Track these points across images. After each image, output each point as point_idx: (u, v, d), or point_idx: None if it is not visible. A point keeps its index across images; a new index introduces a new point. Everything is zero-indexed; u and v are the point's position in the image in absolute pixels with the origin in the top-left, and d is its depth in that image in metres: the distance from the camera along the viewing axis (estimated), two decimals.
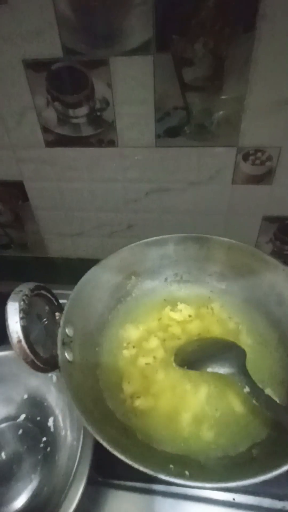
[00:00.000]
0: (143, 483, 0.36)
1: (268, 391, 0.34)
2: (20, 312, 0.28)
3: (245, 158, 0.47)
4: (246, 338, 0.40)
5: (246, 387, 0.32)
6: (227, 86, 0.41)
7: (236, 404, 0.34)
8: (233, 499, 0.35)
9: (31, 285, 0.31)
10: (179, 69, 0.41)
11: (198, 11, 0.37)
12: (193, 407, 0.34)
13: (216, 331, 0.41)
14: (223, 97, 0.42)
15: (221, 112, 0.43)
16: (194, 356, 0.36)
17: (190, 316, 0.42)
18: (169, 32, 0.38)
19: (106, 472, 0.37)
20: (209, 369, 0.33)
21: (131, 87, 0.43)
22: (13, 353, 0.41)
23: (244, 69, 0.40)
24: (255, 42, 0.38)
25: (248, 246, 0.43)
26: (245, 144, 0.46)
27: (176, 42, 0.39)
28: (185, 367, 0.35)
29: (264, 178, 0.49)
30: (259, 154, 0.47)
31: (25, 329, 0.28)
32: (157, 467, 0.26)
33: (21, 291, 0.30)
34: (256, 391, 0.32)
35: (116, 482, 0.37)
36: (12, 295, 0.29)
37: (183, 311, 0.42)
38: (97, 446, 0.33)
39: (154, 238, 0.44)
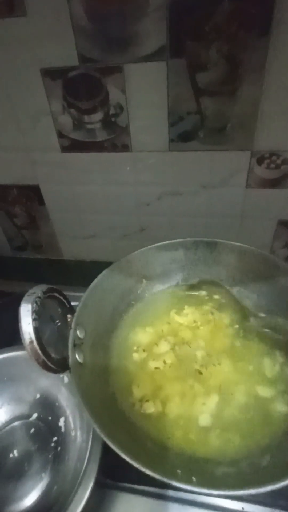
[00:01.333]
0: (151, 487, 0.36)
1: None
2: (32, 313, 0.29)
3: (260, 161, 0.47)
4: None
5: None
6: (241, 90, 0.41)
7: (247, 412, 0.33)
8: (242, 508, 0.35)
9: (44, 287, 0.32)
10: (193, 75, 0.41)
11: (212, 16, 0.37)
12: (202, 412, 0.34)
13: (224, 338, 0.40)
14: (237, 101, 0.42)
15: (235, 116, 0.43)
16: None
17: (195, 321, 0.42)
18: (183, 37, 0.38)
19: (113, 475, 0.37)
20: None
21: (145, 92, 0.43)
22: (25, 353, 0.42)
23: (258, 73, 0.39)
24: (270, 47, 0.37)
25: (260, 251, 0.42)
26: (259, 148, 0.45)
27: (190, 47, 0.39)
28: None
29: (279, 182, 0.48)
30: (274, 157, 0.46)
31: (37, 331, 0.29)
32: (164, 472, 0.25)
33: (34, 293, 0.31)
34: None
35: (123, 485, 0.37)
36: (25, 297, 0.30)
37: (189, 316, 0.42)
38: (106, 448, 0.34)
39: (165, 242, 0.44)
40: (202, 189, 0.52)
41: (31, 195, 0.59)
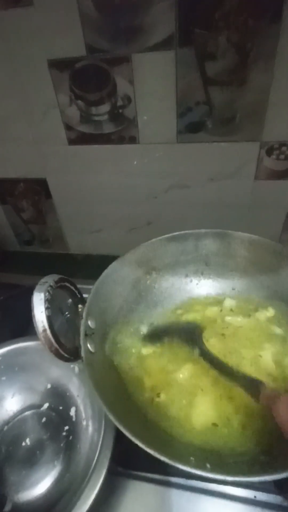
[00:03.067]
0: (162, 475, 0.36)
1: None
2: (45, 302, 0.29)
3: (269, 152, 0.46)
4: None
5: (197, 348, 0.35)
6: (251, 79, 0.41)
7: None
8: (255, 496, 0.35)
9: (56, 277, 0.32)
10: (202, 64, 0.41)
11: (222, 4, 0.36)
12: (214, 401, 0.34)
13: (243, 324, 0.40)
14: (246, 91, 0.41)
15: (244, 106, 0.43)
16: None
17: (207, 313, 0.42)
18: (192, 26, 0.38)
19: (125, 463, 0.37)
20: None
21: (153, 83, 0.43)
22: (36, 343, 0.43)
23: (269, 62, 0.39)
24: (280, 34, 0.37)
25: (270, 241, 0.42)
26: (269, 139, 0.45)
27: (199, 36, 0.39)
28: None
29: None
30: (283, 148, 0.46)
31: (49, 319, 0.29)
32: (178, 458, 0.26)
33: (46, 282, 0.31)
34: (206, 352, 0.35)
35: (135, 473, 0.37)
36: (38, 286, 0.30)
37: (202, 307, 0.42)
38: (118, 437, 0.34)
39: (175, 233, 0.44)
40: (210, 181, 0.51)
41: (38, 189, 0.59)
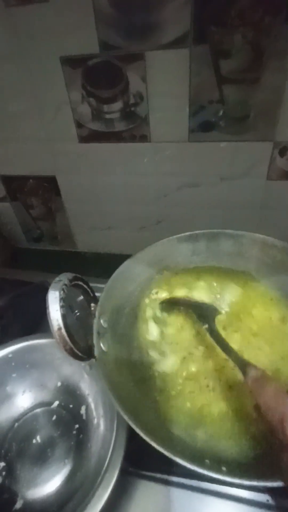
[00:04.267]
0: (174, 476, 0.36)
1: None
2: (60, 300, 0.29)
3: (282, 153, 0.46)
4: None
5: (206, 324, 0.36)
6: (265, 78, 0.40)
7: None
8: (267, 500, 0.34)
9: (70, 275, 0.32)
10: (216, 61, 0.40)
11: (238, 1, 0.36)
12: (230, 401, 0.34)
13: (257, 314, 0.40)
14: (260, 89, 0.41)
15: (258, 105, 0.42)
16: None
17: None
18: (207, 23, 0.38)
19: (137, 463, 0.37)
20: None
21: (166, 81, 0.43)
22: (47, 341, 0.43)
23: (283, 60, 0.39)
24: None
25: (283, 242, 0.41)
26: (282, 139, 0.45)
27: (214, 33, 0.38)
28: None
29: None
30: None
31: (64, 317, 0.29)
32: (192, 460, 0.26)
33: (61, 280, 0.31)
34: (215, 331, 0.36)
35: (147, 473, 0.37)
36: (53, 284, 0.30)
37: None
38: (130, 436, 0.34)
39: (187, 233, 0.44)
40: (221, 180, 0.51)
41: (48, 186, 0.59)
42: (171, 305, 0.42)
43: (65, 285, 0.30)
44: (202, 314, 0.39)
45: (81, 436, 0.40)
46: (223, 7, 0.37)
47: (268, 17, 0.36)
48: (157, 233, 0.60)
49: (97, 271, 0.49)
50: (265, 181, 0.50)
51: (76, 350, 0.30)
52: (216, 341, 0.35)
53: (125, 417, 0.28)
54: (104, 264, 0.42)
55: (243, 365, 0.30)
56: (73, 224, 0.65)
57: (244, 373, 0.29)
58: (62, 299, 0.29)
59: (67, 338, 0.29)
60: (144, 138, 0.49)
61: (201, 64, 0.41)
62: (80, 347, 0.31)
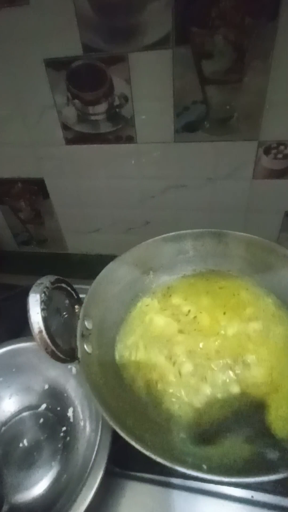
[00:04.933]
0: (159, 476, 0.37)
1: None
2: (41, 303, 0.29)
3: (267, 152, 0.46)
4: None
5: None
6: (248, 78, 0.40)
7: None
8: (252, 496, 0.35)
9: (52, 278, 0.32)
10: (198, 62, 0.40)
11: (219, 2, 0.36)
12: (213, 398, 0.34)
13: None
14: (243, 90, 0.41)
15: (241, 106, 0.43)
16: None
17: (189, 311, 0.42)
18: (189, 24, 0.38)
19: (122, 463, 0.37)
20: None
21: (150, 82, 0.43)
22: (33, 344, 0.42)
23: (266, 60, 0.39)
24: (277, 32, 0.37)
25: (268, 241, 0.42)
26: (266, 138, 0.45)
27: (195, 34, 0.38)
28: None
29: (286, 172, 0.48)
30: (281, 147, 0.45)
31: (45, 320, 0.29)
32: (174, 459, 0.26)
33: (42, 283, 0.31)
34: None
35: (132, 473, 0.37)
36: (34, 287, 0.30)
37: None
38: (115, 438, 0.34)
39: (172, 233, 0.44)
40: (207, 181, 0.51)
41: (36, 189, 0.59)
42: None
43: (47, 287, 0.30)
44: None
45: (68, 438, 0.40)
46: (204, 8, 0.37)
47: (249, 18, 0.37)
48: (145, 235, 0.59)
49: (86, 273, 0.49)
50: (251, 180, 0.50)
51: (58, 353, 0.30)
52: None
53: (107, 418, 0.28)
54: (94, 266, 0.42)
55: None
56: (63, 227, 0.65)
57: None
58: (43, 302, 0.29)
59: (48, 341, 0.29)
60: (130, 139, 0.49)
61: (184, 65, 0.41)
62: (62, 349, 0.31)
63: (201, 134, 0.46)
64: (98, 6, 0.38)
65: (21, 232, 0.68)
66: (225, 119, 0.44)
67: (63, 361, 0.31)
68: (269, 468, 0.25)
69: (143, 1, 0.37)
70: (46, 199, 0.60)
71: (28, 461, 0.39)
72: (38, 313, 0.29)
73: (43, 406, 0.43)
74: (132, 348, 0.38)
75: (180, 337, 0.38)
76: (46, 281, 0.31)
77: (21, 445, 0.41)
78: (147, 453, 0.26)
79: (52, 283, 0.32)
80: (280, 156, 0.46)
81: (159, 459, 0.25)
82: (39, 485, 0.37)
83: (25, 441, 0.41)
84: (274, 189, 0.50)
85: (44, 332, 0.29)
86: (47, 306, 0.30)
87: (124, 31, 0.40)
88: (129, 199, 0.56)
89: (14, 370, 0.43)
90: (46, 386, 0.44)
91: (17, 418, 0.43)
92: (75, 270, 0.64)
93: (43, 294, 0.30)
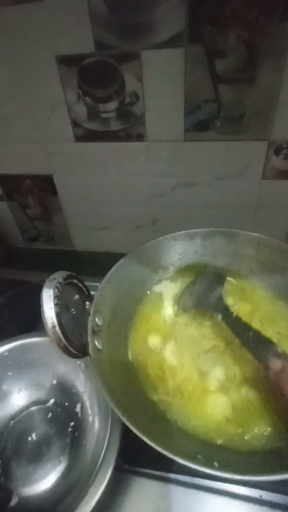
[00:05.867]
0: (168, 473, 0.37)
1: None
2: (54, 298, 0.29)
3: (277, 152, 0.46)
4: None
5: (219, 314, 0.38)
6: (260, 77, 0.40)
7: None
8: (260, 496, 0.35)
9: (64, 273, 0.33)
10: (211, 61, 0.40)
11: (232, 0, 0.36)
12: (222, 398, 0.34)
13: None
14: (256, 89, 0.41)
15: (253, 105, 0.42)
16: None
17: None
18: (202, 22, 0.38)
19: (131, 460, 0.37)
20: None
21: (162, 80, 0.43)
22: (43, 340, 0.43)
23: (279, 60, 0.39)
24: None
25: (278, 241, 0.42)
26: (277, 138, 0.45)
27: (208, 33, 0.38)
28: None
29: None
30: None
31: (59, 315, 0.29)
32: (185, 456, 0.26)
33: (55, 279, 0.31)
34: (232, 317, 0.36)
35: (141, 470, 0.37)
36: (47, 283, 0.30)
37: None
38: (124, 433, 0.34)
39: (182, 232, 0.44)
40: (217, 180, 0.51)
41: (44, 185, 0.59)
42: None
43: (60, 283, 0.31)
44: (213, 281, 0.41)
45: (76, 433, 0.40)
46: (217, 6, 0.37)
47: (262, 17, 0.37)
48: (152, 233, 0.60)
49: (93, 270, 0.49)
50: (260, 180, 0.50)
51: (70, 348, 0.30)
52: (234, 327, 0.35)
53: (119, 414, 0.28)
54: (101, 263, 0.43)
55: (264, 357, 0.29)
56: (70, 223, 0.65)
57: (267, 368, 0.29)
58: (56, 297, 0.30)
59: (61, 336, 0.29)
60: (140, 137, 0.49)
61: (196, 64, 0.41)
62: (74, 345, 0.31)
63: (211, 133, 0.46)
64: (112, 3, 0.38)
65: (29, 229, 0.68)
66: (236, 118, 0.44)
67: (74, 356, 0.31)
68: (282, 466, 0.25)
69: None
70: (55, 195, 0.60)
71: (37, 455, 0.40)
72: (51, 308, 0.29)
73: (52, 401, 0.44)
74: (143, 345, 0.39)
75: (195, 337, 0.38)
76: (59, 276, 0.31)
77: (29, 439, 0.41)
78: (159, 448, 0.26)
79: (65, 279, 0.32)
80: None
81: (170, 455, 0.25)
82: (47, 479, 0.38)
83: (33, 435, 0.41)
84: (284, 189, 0.50)
85: (57, 327, 0.29)
86: (59, 301, 0.30)
87: (137, 28, 0.40)
88: (138, 197, 0.56)
89: (23, 365, 0.44)
90: (55, 381, 0.44)
91: (25, 412, 0.43)
92: (82, 267, 0.64)
93: (56, 290, 0.30)
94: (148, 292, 0.45)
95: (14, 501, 0.37)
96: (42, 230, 0.68)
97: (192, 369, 0.36)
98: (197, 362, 0.37)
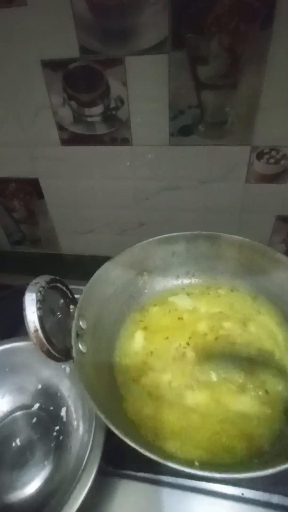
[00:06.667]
0: (151, 474, 0.37)
1: None
2: (37, 302, 0.29)
3: (259, 156, 0.47)
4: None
5: None
6: (242, 84, 0.41)
7: (246, 402, 0.34)
8: (242, 494, 0.35)
9: (47, 277, 0.33)
10: (194, 67, 0.41)
11: (214, 8, 0.37)
12: (205, 402, 0.34)
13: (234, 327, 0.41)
14: (238, 95, 0.42)
15: (235, 110, 0.43)
16: None
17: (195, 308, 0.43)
18: (185, 30, 0.39)
19: (115, 462, 0.37)
20: None
21: (146, 85, 0.44)
22: (27, 344, 0.43)
23: (259, 66, 0.40)
24: (271, 39, 0.38)
25: (260, 244, 0.43)
26: (259, 143, 0.46)
27: (191, 40, 0.39)
28: None
29: (278, 177, 0.49)
30: (273, 152, 0.47)
31: (41, 319, 0.29)
32: (166, 456, 0.26)
33: (37, 283, 0.31)
34: None
35: (125, 472, 0.37)
36: (29, 287, 0.30)
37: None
38: (108, 436, 0.34)
39: (166, 235, 0.45)
40: (201, 184, 0.52)
41: (30, 188, 0.59)
42: None
43: (42, 287, 0.31)
44: None
45: (61, 437, 0.40)
46: (200, 14, 0.38)
47: (244, 24, 0.38)
48: (139, 236, 0.59)
49: (79, 273, 0.49)
50: (243, 184, 0.51)
51: (53, 352, 0.30)
52: None
53: (102, 417, 0.28)
54: (87, 267, 0.43)
55: None
56: (57, 227, 0.65)
57: None
58: (39, 301, 0.29)
59: (44, 340, 0.29)
60: (125, 141, 0.50)
61: (179, 70, 0.42)
62: (58, 349, 0.31)
63: (195, 137, 0.47)
64: (96, 9, 0.39)
65: (14, 232, 0.68)
66: (219, 124, 0.45)
67: (58, 360, 0.31)
68: (262, 464, 0.26)
69: (140, 5, 0.38)
70: (41, 199, 0.60)
71: (20, 461, 0.39)
72: (34, 312, 0.29)
73: (36, 405, 0.43)
74: (129, 348, 0.39)
75: (180, 339, 0.39)
76: (42, 280, 0.31)
77: (13, 444, 0.41)
78: (140, 449, 0.26)
79: (48, 283, 0.32)
80: (272, 161, 0.47)
81: (152, 456, 0.26)
82: (31, 484, 0.37)
83: (17, 441, 0.41)
84: (266, 193, 0.51)
85: (40, 331, 0.29)
86: (43, 305, 0.30)
87: (121, 34, 0.40)
88: (124, 200, 0.57)
89: (7, 369, 0.43)
90: (40, 386, 0.44)
91: (9, 417, 0.43)
92: (68, 271, 0.64)
93: (39, 294, 0.30)
94: (134, 295, 0.45)
95: None
96: (28, 233, 0.67)
97: (176, 372, 0.37)
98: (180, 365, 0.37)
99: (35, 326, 0.29)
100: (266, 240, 0.57)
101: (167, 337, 0.41)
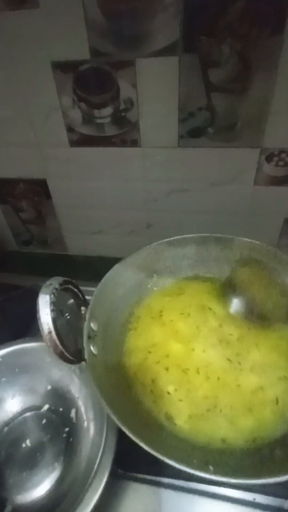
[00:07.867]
0: (162, 478, 0.37)
1: None
2: (50, 304, 0.29)
3: (269, 159, 0.47)
4: None
5: None
6: (253, 87, 0.41)
7: (268, 403, 0.34)
8: (254, 499, 0.35)
9: (60, 279, 0.33)
10: (205, 70, 0.41)
11: (226, 13, 0.37)
12: (220, 399, 0.34)
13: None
14: (248, 98, 0.42)
15: (245, 113, 0.43)
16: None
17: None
18: (196, 33, 0.39)
19: (126, 465, 0.37)
20: None
21: (156, 87, 0.44)
22: (37, 345, 0.43)
23: (271, 70, 0.40)
24: (283, 45, 0.38)
25: (270, 247, 0.43)
26: (269, 145, 0.46)
27: (203, 43, 0.39)
28: None
29: (287, 179, 0.49)
30: (283, 155, 0.46)
31: (55, 321, 0.29)
32: (180, 460, 0.26)
33: (51, 284, 0.31)
34: None
35: (135, 475, 0.37)
36: (43, 288, 0.30)
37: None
38: (119, 439, 0.34)
39: (177, 237, 0.45)
40: (210, 186, 0.52)
41: (38, 189, 0.59)
42: None
43: (56, 289, 0.31)
44: None
45: (71, 439, 0.40)
46: (212, 18, 0.38)
47: (256, 30, 0.38)
48: (147, 238, 0.60)
49: (88, 274, 0.50)
50: (252, 186, 0.51)
51: (66, 354, 0.30)
52: None
53: (114, 418, 0.28)
54: (95, 268, 0.43)
55: None
56: (64, 228, 0.65)
57: None
58: (52, 303, 0.30)
59: (57, 342, 0.29)
60: (134, 143, 0.50)
61: (190, 72, 0.42)
62: (70, 350, 0.31)
63: (205, 140, 0.47)
64: (108, 12, 0.39)
65: (22, 232, 0.68)
66: (229, 126, 0.45)
67: (70, 362, 0.31)
68: (275, 469, 0.26)
69: (152, 9, 0.38)
70: (49, 199, 0.60)
71: (31, 462, 0.39)
72: (48, 314, 0.29)
73: (46, 406, 0.43)
74: (139, 350, 0.39)
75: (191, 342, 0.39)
76: (55, 282, 0.31)
77: (24, 445, 0.41)
78: (155, 453, 0.26)
79: (61, 285, 0.32)
80: (281, 163, 0.47)
81: (167, 460, 0.26)
82: (42, 486, 0.37)
83: (28, 442, 0.41)
84: (275, 195, 0.51)
85: (53, 333, 0.29)
86: (55, 307, 0.30)
87: (132, 37, 0.40)
88: (132, 202, 0.57)
89: (17, 370, 0.43)
90: (49, 387, 0.44)
91: (19, 418, 0.43)
92: (76, 271, 0.64)
93: (52, 295, 0.30)
94: (144, 296, 0.45)
95: (7, 510, 0.36)
96: (36, 234, 0.68)
97: (192, 376, 0.37)
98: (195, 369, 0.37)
99: (49, 328, 0.29)
100: (274, 241, 0.57)
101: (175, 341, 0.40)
